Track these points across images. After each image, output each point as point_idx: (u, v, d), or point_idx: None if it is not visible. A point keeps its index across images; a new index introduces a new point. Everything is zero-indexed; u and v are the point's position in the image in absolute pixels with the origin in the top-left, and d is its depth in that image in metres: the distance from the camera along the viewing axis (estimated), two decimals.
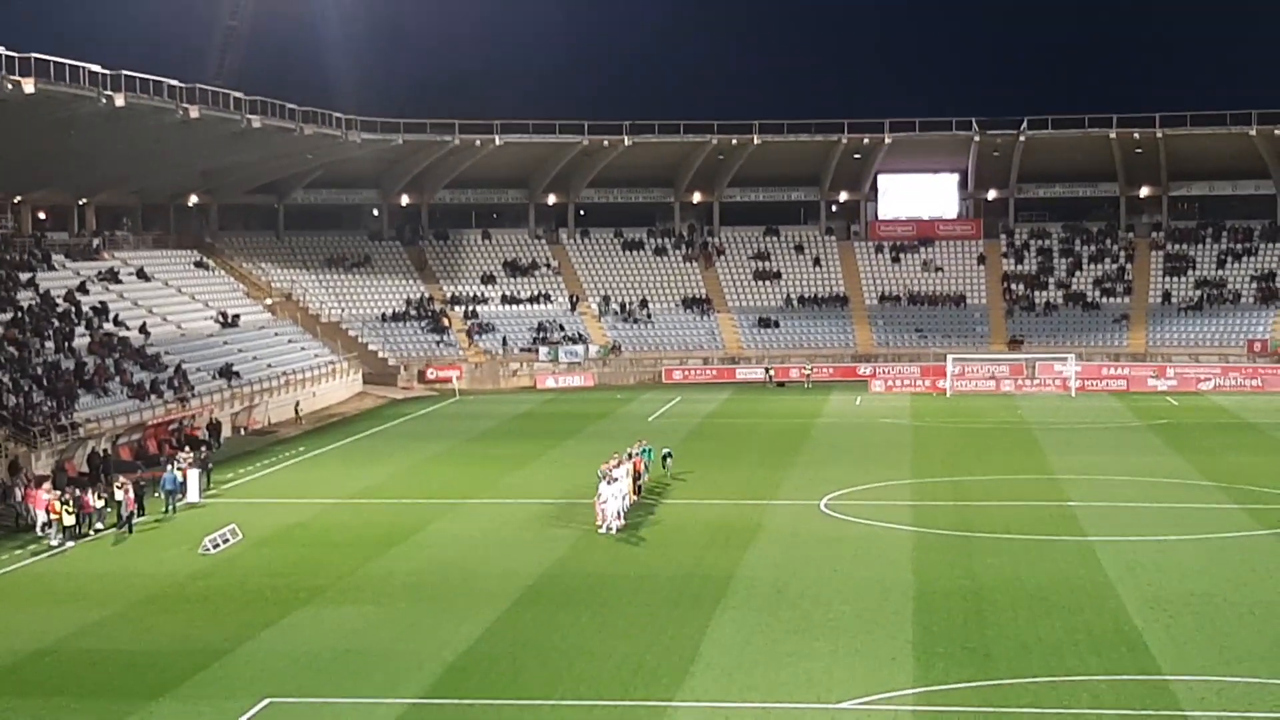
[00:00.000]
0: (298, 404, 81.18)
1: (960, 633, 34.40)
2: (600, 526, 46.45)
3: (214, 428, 70.80)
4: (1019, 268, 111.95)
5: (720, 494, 54.24)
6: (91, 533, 47.78)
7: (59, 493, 48.68)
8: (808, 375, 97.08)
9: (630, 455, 52.47)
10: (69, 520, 46.65)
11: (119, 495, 48.66)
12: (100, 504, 48.80)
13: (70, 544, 46.25)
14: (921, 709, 29.10)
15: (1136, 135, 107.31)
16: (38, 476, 54.94)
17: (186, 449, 60.48)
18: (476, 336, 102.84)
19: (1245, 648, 32.86)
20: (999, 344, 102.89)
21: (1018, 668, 31.52)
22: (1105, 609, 36.32)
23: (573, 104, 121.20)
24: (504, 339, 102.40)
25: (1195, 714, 28.41)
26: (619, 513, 46.93)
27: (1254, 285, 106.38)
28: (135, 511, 48.77)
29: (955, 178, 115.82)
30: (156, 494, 52.42)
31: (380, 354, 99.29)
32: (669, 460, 57.60)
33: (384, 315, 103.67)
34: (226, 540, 45.56)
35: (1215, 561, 41.62)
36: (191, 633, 35.61)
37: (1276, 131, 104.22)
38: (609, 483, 47.41)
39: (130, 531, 47.74)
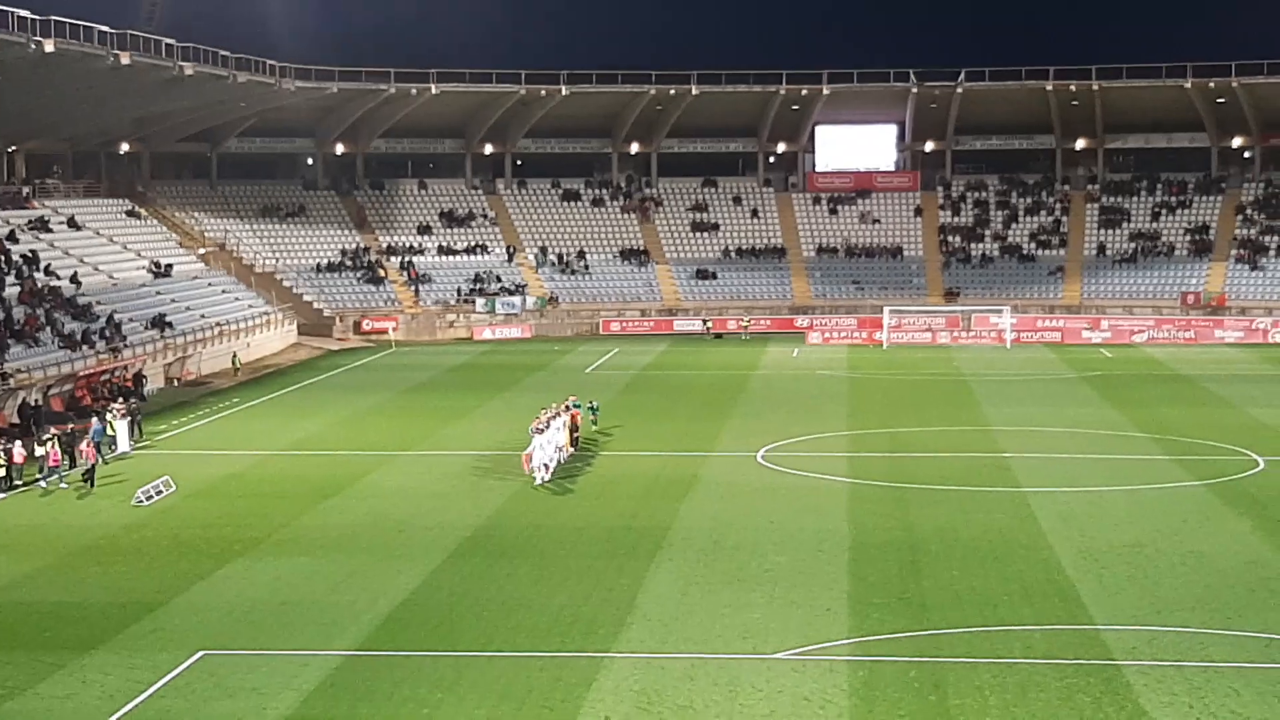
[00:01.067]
0: (235, 355, 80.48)
1: (895, 583, 34.56)
2: (534, 478, 46.36)
3: (138, 379, 69.88)
4: (956, 220, 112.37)
5: (657, 446, 54.25)
6: (25, 484, 47.29)
7: None
8: (745, 327, 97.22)
9: (567, 408, 52.32)
10: None
11: (82, 448, 48.11)
12: (30, 455, 48.24)
13: (1, 495, 45.74)
14: (857, 659, 29.21)
15: (1073, 87, 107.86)
16: None
17: (119, 399, 59.94)
18: (416, 287, 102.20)
19: (1176, 598, 33.17)
20: (935, 296, 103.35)
21: (952, 618, 31.70)
22: (1038, 560, 36.59)
23: (510, 53, 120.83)
24: (416, 285, 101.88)
25: (1126, 663, 28.65)
26: (546, 464, 46.83)
27: (1188, 238, 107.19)
28: (95, 464, 47.90)
29: (893, 129, 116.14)
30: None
31: (315, 305, 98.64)
32: (596, 414, 57.27)
33: (319, 266, 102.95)
34: (160, 492, 45.22)
35: (1147, 512, 41.98)
36: (124, 585, 35.32)
37: (1211, 84, 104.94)
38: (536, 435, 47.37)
39: (92, 486, 46.87)
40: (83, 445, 48.48)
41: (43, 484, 47.02)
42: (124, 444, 53.27)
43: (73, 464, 49.04)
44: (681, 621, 31.72)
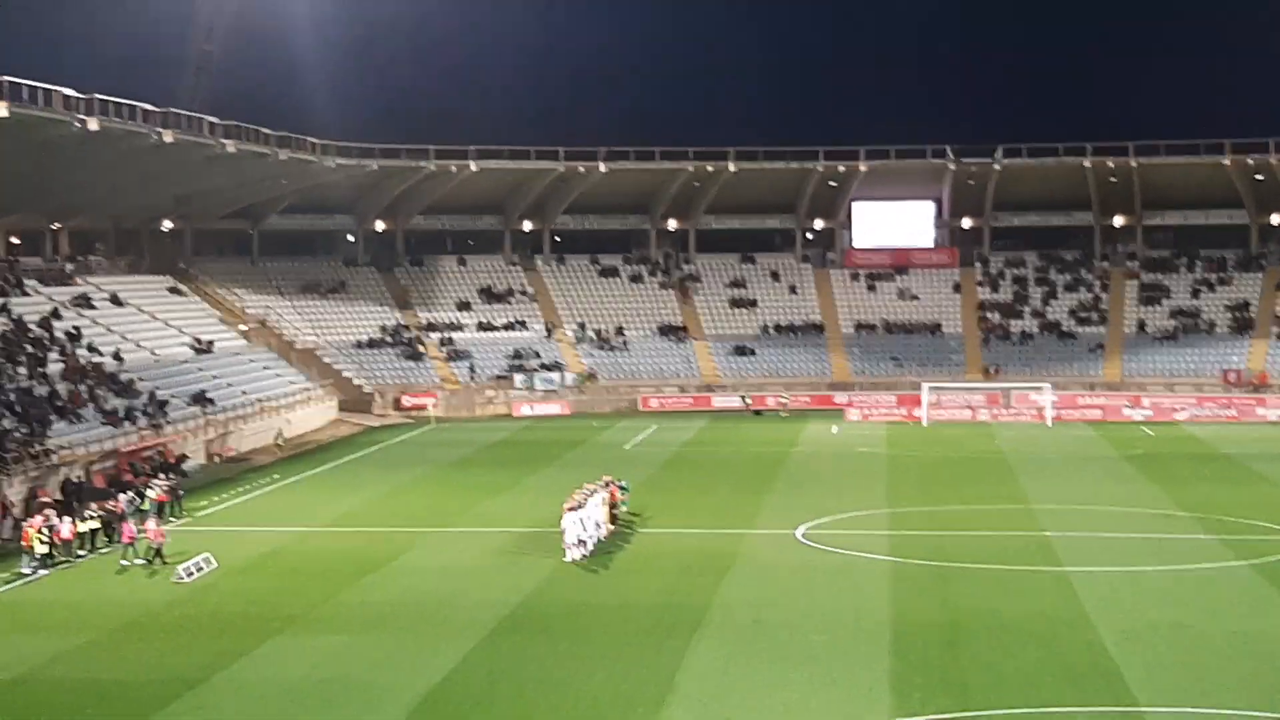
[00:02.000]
0: (280, 431, 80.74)
1: (937, 663, 34.31)
2: (564, 554, 46.19)
3: (179, 459, 70.00)
4: (994, 296, 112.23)
5: (697, 523, 54.11)
6: (68, 560, 47.50)
7: (33, 520, 48.29)
8: (784, 404, 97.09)
9: (606, 485, 52.26)
10: (41, 549, 46.30)
11: (150, 525, 48.13)
12: (75, 532, 48.44)
13: (44, 572, 45.92)
14: None
15: (1111, 164, 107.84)
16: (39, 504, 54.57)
17: (160, 475, 60.22)
18: (453, 364, 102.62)
19: (1220, 679, 32.82)
20: (975, 373, 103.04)
21: (994, 699, 31.43)
22: (1081, 640, 36.27)
23: (549, 130, 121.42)
24: (470, 366, 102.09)
25: None
26: (582, 541, 46.69)
27: (1229, 315, 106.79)
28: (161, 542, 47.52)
29: (931, 206, 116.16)
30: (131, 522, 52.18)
31: (355, 381, 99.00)
32: (626, 494, 55.73)
33: (359, 342, 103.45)
34: (200, 569, 45.29)
35: (1191, 592, 41.63)
36: (165, 662, 35.34)
37: (1250, 161, 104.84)
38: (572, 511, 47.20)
39: (164, 562, 46.50)
40: (129, 525, 48.47)
41: (123, 562, 46.90)
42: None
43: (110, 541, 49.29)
44: (721, 701, 31.52)
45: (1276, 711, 30.47)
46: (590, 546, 47.29)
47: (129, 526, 48.09)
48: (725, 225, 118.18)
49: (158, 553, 46.80)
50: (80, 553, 48.46)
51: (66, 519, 49.07)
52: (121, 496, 53.84)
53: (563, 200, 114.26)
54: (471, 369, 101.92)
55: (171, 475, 61.57)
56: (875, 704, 31.16)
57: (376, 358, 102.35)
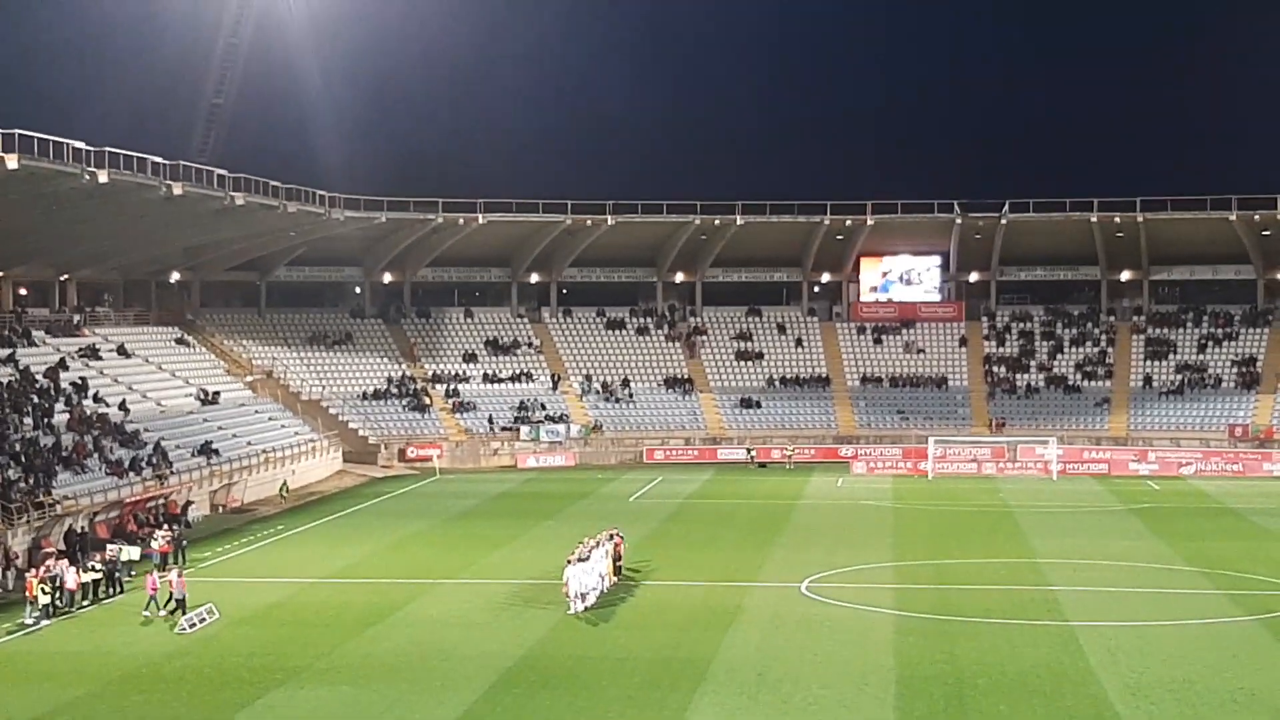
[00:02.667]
0: (284, 482, 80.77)
1: (942, 718, 34.19)
2: (569, 606, 46.14)
3: (183, 507, 69.96)
4: (1001, 350, 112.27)
5: (701, 575, 53.99)
6: (70, 611, 47.48)
7: (36, 570, 48.28)
8: (789, 456, 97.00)
9: (610, 537, 52.23)
10: (44, 599, 46.24)
11: (170, 577, 47.70)
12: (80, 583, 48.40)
13: (46, 622, 45.85)
14: None
15: (1117, 219, 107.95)
16: (43, 554, 54.54)
17: (164, 526, 60.21)
18: (458, 415, 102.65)
19: None
20: (981, 427, 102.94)
21: None
22: (1087, 695, 36.15)
23: (556, 183, 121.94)
24: (490, 417, 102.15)
25: None
26: (582, 594, 46.60)
27: (1235, 370, 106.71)
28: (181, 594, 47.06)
29: (937, 260, 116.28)
30: (133, 573, 52.26)
31: (361, 432, 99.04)
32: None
33: (365, 393, 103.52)
34: (203, 619, 45.23)
35: (1197, 648, 41.48)
36: (167, 713, 35.27)
37: (1256, 216, 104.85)
38: (576, 563, 47.12)
39: (184, 613, 46.20)
40: (153, 576, 48.23)
41: (145, 613, 46.64)
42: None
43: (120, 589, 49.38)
44: None
45: None
46: (594, 599, 47.21)
47: (152, 578, 47.86)
48: (732, 278, 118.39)
49: (180, 604, 46.65)
50: (83, 603, 48.39)
51: (71, 569, 49.03)
52: (110, 547, 53.53)
53: (570, 253, 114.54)
54: (491, 420, 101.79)
55: (174, 526, 61.49)
56: None
57: (382, 409, 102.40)
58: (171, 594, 46.91)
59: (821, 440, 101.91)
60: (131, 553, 53.96)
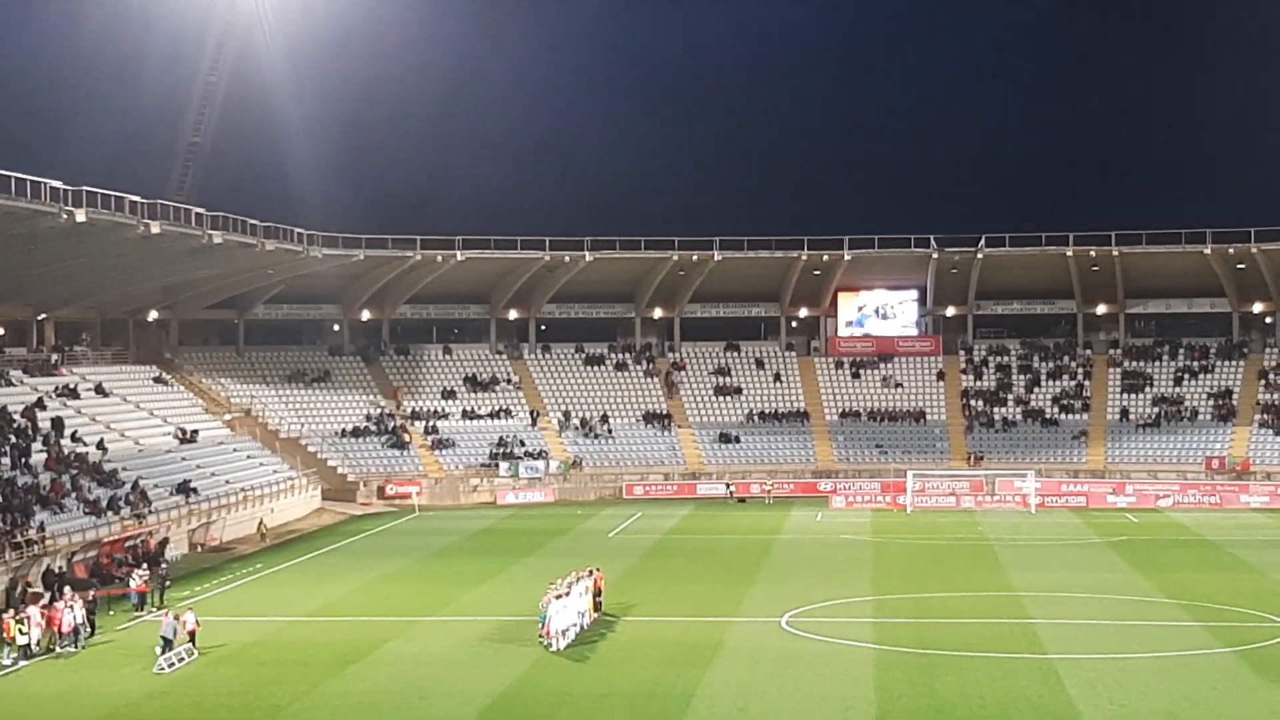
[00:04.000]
0: (261, 521, 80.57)
1: None
2: (549, 644, 46.04)
3: (161, 545, 69.57)
4: (978, 384, 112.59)
5: (681, 611, 53.99)
6: (58, 648, 47.32)
7: (13, 611, 48.08)
8: (768, 491, 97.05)
9: (590, 573, 52.21)
10: (22, 640, 46.04)
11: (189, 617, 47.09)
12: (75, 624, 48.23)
13: (23, 663, 45.65)
14: None
15: (1093, 253, 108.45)
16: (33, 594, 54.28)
17: (143, 565, 60.02)
18: (437, 452, 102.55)
19: None
20: (959, 460, 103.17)
21: None
22: None
23: (534, 220, 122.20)
24: (512, 456, 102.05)
25: None
26: (562, 631, 46.55)
27: (1211, 403, 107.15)
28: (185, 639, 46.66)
29: (914, 294, 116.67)
30: (111, 612, 52.12)
31: (340, 469, 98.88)
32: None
33: (343, 431, 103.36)
34: (182, 659, 45.08)
35: (1176, 680, 41.58)
36: None
37: (1231, 250, 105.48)
38: (556, 600, 47.04)
39: (194, 649, 46.17)
40: (168, 617, 47.38)
41: (171, 664, 45.41)
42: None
43: (92, 630, 49.12)
44: None
45: None
46: (573, 635, 47.18)
47: (169, 618, 47.08)
48: (710, 313, 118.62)
49: (190, 637, 46.43)
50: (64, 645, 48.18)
51: (68, 610, 48.60)
52: (67, 591, 52.60)
53: (548, 289, 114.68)
54: (513, 460, 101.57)
55: (146, 566, 61.13)
56: None
57: (361, 446, 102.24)
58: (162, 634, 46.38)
59: (800, 475, 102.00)
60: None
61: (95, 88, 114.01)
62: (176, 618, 46.78)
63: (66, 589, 54.10)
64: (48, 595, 55.25)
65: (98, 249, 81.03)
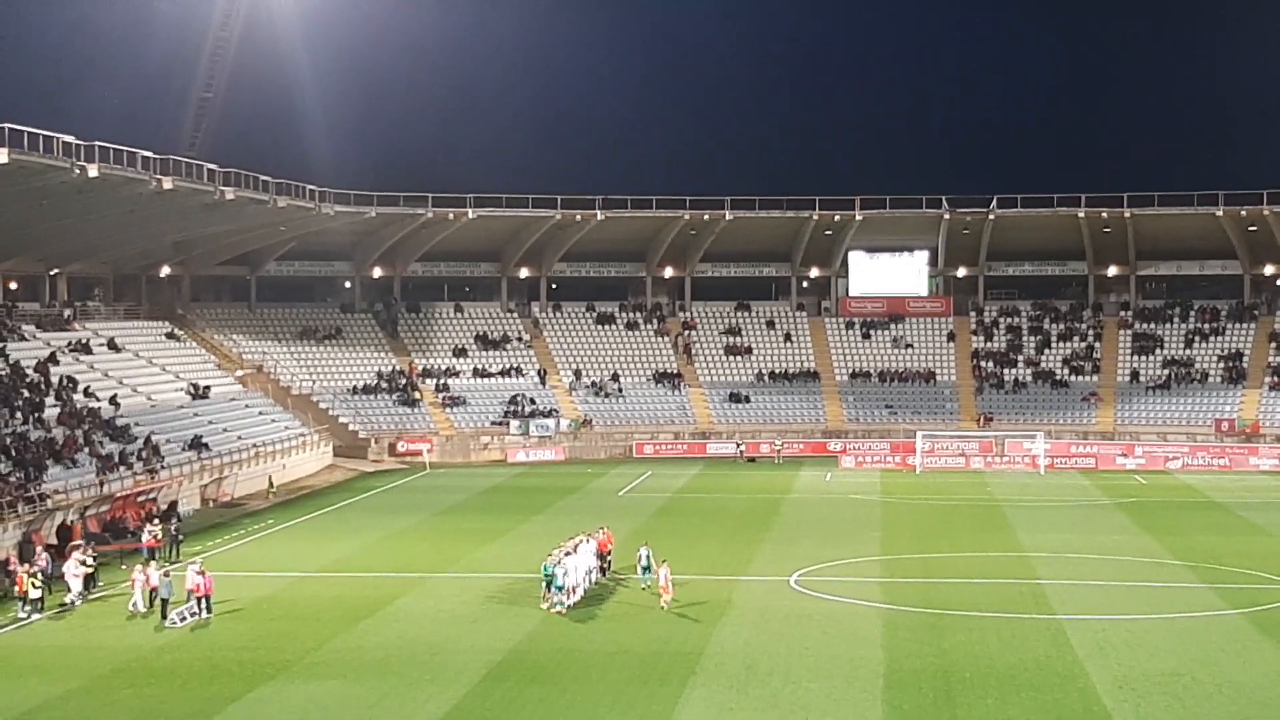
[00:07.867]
0: (271, 478, 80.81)
1: (930, 711, 34.35)
2: (556, 605, 45.99)
3: (173, 503, 69.79)
4: (988, 345, 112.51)
5: (690, 569, 54.01)
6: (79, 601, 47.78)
7: (27, 565, 48.33)
8: (778, 450, 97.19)
9: (602, 530, 52.35)
10: (35, 593, 46.29)
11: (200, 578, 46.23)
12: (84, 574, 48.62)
13: (37, 616, 45.92)
14: None
15: (1105, 215, 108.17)
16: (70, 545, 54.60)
17: (155, 521, 60.28)
18: (448, 409, 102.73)
19: None
20: (968, 421, 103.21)
21: None
22: (1075, 688, 36.33)
23: (546, 178, 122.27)
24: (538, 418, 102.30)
25: None
26: (572, 588, 46.63)
27: (1221, 365, 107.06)
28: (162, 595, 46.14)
29: (925, 255, 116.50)
30: (124, 566, 52.43)
31: (351, 426, 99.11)
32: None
33: (355, 388, 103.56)
34: (193, 613, 45.27)
35: (1184, 641, 41.66)
36: (156, 707, 35.32)
37: (1243, 212, 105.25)
38: (563, 558, 47.07)
39: (209, 611, 45.64)
40: (160, 575, 46.96)
41: (184, 617, 45.31)
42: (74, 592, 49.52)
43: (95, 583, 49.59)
44: None
45: None
46: (581, 593, 47.33)
47: (202, 577, 46.51)
48: (721, 273, 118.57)
49: (164, 602, 46.48)
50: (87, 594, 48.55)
51: (77, 562, 48.88)
52: (43, 555, 52.33)
53: (559, 248, 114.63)
54: (524, 418, 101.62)
55: (158, 521, 61.31)
56: None
57: (372, 404, 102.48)
58: (155, 591, 46.57)
59: (810, 435, 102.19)
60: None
61: (107, 44, 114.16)
62: (165, 575, 46.78)
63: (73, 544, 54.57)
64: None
65: (110, 204, 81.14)
